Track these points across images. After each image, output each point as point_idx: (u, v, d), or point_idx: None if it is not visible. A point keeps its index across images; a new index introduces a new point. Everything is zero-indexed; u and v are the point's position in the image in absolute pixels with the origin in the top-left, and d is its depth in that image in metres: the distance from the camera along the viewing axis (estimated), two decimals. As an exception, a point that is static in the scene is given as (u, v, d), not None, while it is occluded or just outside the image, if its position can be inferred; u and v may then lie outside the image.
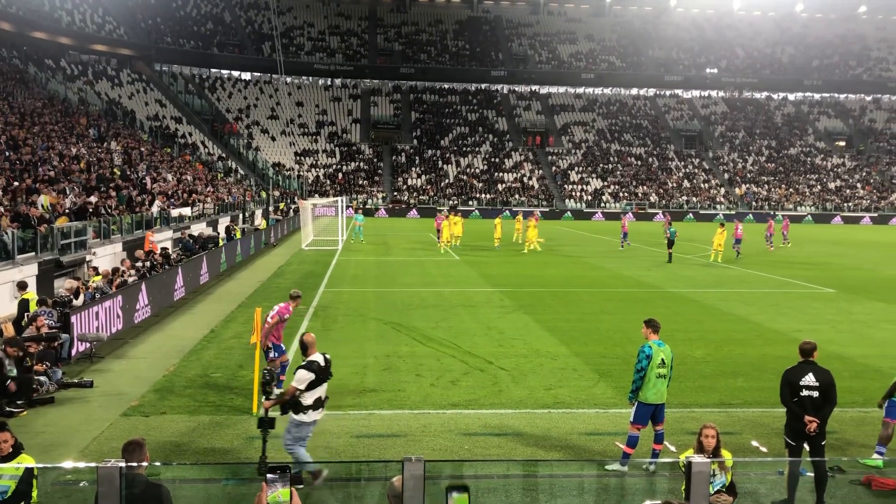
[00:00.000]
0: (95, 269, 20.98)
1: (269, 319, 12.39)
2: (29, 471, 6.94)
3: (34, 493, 6.97)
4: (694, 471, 4.32)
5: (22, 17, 61.54)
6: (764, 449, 10.26)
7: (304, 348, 9.21)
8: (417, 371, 14.12)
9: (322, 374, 8.96)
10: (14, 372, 11.68)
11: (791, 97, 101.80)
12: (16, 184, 25.17)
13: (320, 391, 9.00)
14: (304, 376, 8.79)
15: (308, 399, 8.85)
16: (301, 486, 8.46)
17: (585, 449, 10.31)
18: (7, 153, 28.82)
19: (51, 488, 8.15)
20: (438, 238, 39.43)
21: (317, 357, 9.04)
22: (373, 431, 10.82)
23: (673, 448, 9.96)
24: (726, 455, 7.82)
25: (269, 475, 2.68)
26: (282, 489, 2.67)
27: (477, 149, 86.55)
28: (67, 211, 24.98)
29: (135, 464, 6.04)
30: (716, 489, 6.96)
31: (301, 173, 79.43)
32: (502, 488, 8.55)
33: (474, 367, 14.51)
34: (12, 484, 6.83)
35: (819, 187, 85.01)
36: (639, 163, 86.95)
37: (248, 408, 11.61)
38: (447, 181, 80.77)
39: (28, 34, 63.17)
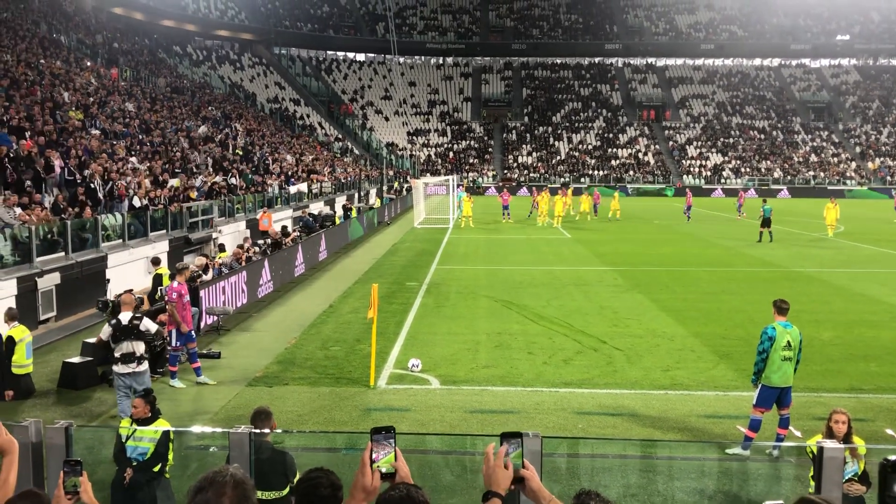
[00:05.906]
0: (221, 245, 21.99)
1: (170, 300, 12.27)
2: (166, 434, 7.38)
3: (170, 456, 7.41)
4: (826, 456, 4.14)
5: (152, 7, 65.02)
6: (900, 438, 9.67)
7: (117, 308, 10.88)
8: (529, 349, 14.10)
9: (121, 332, 10.12)
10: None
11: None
12: (149, 164, 26.66)
13: (126, 347, 10.10)
14: (105, 329, 10.36)
15: (116, 352, 10.14)
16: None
17: (705, 431, 10.03)
18: (140, 136, 30.55)
19: (184, 452, 8.65)
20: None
21: (122, 317, 10.29)
22: (486, 407, 10.90)
23: (798, 433, 9.53)
24: (858, 442, 7.41)
25: (374, 436, 2.76)
26: (388, 450, 2.76)
27: (590, 124, 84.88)
28: (195, 190, 26.27)
29: (262, 431, 6.33)
30: (847, 477, 6.60)
31: (413, 153, 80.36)
32: (618, 468, 8.45)
33: (587, 346, 14.35)
34: (151, 446, 7.28)
35: (964, 160, 78.63)
36: (762, 136, 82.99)
37: (366, 381, 11.93)
38: (558, 158, 79.74)
39: (157, 22, 66.65)
